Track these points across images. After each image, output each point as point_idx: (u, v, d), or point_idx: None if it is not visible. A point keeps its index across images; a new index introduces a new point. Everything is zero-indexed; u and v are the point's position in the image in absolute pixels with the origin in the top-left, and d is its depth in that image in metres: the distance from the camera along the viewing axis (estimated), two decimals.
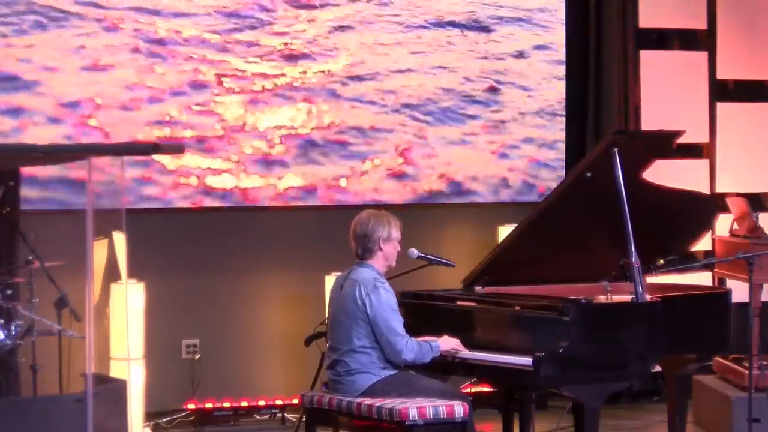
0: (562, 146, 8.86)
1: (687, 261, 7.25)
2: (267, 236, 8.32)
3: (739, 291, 6.77)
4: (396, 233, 6.04)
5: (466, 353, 6.04)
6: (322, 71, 8.28)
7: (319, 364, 6.76)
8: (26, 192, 7.39)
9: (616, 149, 6.05)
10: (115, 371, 7.32)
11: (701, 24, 9.02)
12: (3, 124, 7.62)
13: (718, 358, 7.67)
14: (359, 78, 8.36)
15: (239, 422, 8.05)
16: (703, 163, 9.00)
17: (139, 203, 7.81)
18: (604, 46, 8.89)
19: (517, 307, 6.07)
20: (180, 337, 8.15)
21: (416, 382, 5.94)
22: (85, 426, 5.15)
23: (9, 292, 6.75)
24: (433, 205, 8.60)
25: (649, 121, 8.82)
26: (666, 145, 6.56)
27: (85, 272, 5.19)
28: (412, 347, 5.90)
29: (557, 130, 8.84)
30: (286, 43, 8.21)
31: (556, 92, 8.84)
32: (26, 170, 7.33)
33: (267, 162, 8.18)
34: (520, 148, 8.74)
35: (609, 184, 6.02)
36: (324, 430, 6.24)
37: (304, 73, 8.24)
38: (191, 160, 7.99)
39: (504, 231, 8.00)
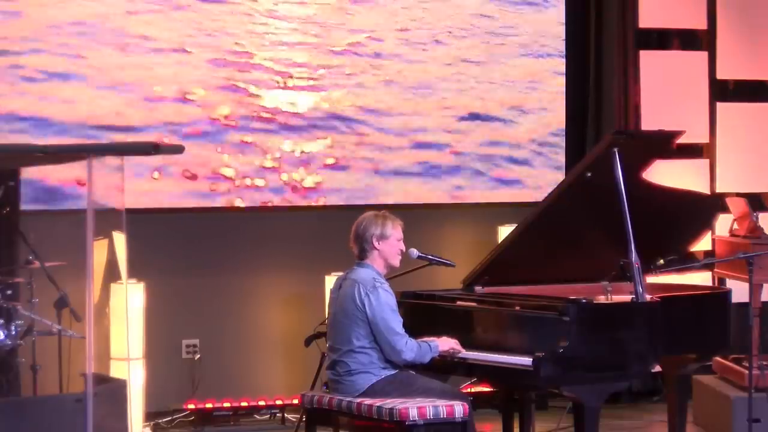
0: (562, 146, 8.86)
1: (687, 261, 7.25)
2: (267, 236, 8.32)
3: (739, 291, 6.76)
4: (392, 231, 6.02)
5: (465, 353, 6.04)
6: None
7: (319, 364, 6.76)
8: (26, 192, 7.41)
9: (616, 149, 6.05)
10: (115, 371, 7.33)
11: (701, 24, 9.02)
12: None
13: (718, 358, 7.66)
14: None
15: (239, 422, 8.04)
16: (703, 163, 9.00)
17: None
18: (604, 46, 8.89)
19: (517, 307, 6.07)
20: (180, 337, 8.15)
21: (416, 382, 5.94)
22: (85, 426, 5.15)
23: (9, 292, 6.75)
24: (433, 205, 8.60)
25: (649, 121, 8.82)
26: (666, 145, 6.56)
27: (85, 272, 5.19)
28: (411, 347, 5.90)
29: (557, 130, 8.84)
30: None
31: (556, 92, 8.84)
32: (26, 170, 7.34)
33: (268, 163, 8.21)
34: (520, 148, 8.74)
35: (609, 184, 6.01)
36: (324, 430, 6.24)
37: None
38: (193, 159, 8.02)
39: (504, 231, 8.01)
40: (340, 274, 6.22)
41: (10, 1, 7.62)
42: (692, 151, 8.91)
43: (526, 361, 5.72)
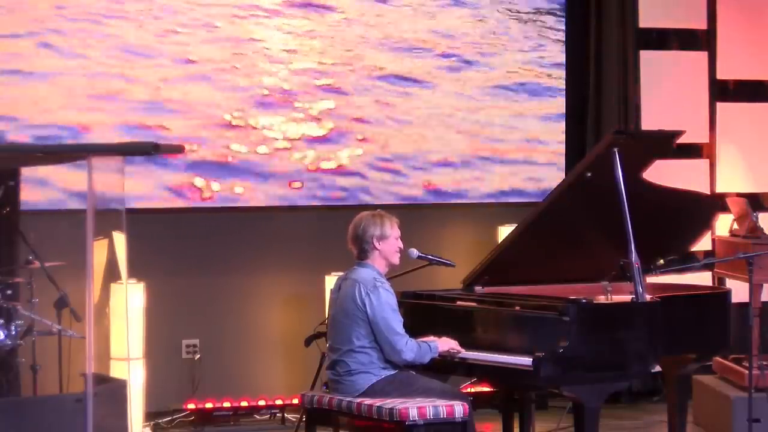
0: (562, 146, 8.86)
1: (687, 261, 7.26)
2: (267, 236, 8.32)
3: (739, 291, 6.77)
4: (391, 231, 6.02)
5: (465, 353, 6.04)
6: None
7: (319, 364, 6.76)
8: (26, 192, 7.41)
9: (616, 149, 6.05)
10: (115, 371, 7.33)
11: (701, 24, 9.02)
12: None
13: (718, 358, 7.66)
14: None
15: (239, 422, 8.05)
16: (703, 163, 9.01)
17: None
18: (604, 45, 8.89)
19: (517, 307, 6.07)
20: (180, 337, 8.15)
21: (416, 382, 5.94)
22: (85, 426, 5.15)
23: (9, 292, 6.75)
24: (433, 205, 8.60)
25: (649, 121, 8.82)
26: (666, 145, 6.56)
27: (85, 272, 5.19)
28: (412, 347, 5.90)
29: (557, 131, 8.84)
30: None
31: (556, 92, 8.84)
32: (26, 170, 7.33)
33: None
34: (520, 148, 8.74)
35: (609, 184, 6.01)
36: (324, 430, 6.24)
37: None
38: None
39: (504, 231, 8.01)
40: (340, 274, 6.22)
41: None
42: (692, 151, 8.92)
43: (526, 361, 5.72)
